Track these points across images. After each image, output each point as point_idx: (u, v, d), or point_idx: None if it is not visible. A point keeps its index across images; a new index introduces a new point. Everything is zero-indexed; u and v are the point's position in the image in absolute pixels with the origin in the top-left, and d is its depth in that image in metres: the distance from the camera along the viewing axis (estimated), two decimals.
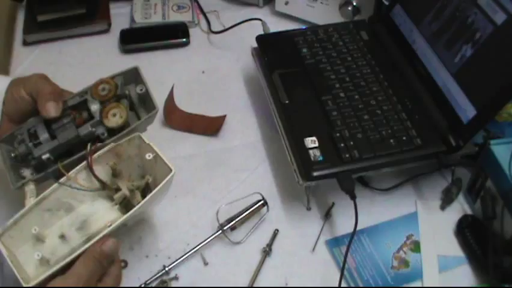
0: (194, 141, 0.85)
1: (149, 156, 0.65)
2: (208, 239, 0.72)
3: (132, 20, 1.04)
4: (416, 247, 0.72)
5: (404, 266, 0.71)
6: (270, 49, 0.86)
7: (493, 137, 0.74)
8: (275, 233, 0.73)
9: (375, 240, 0.73)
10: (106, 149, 0.65)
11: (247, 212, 0.73)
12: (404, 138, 0.72)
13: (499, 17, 0.68)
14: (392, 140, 0.72)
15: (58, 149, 0.64)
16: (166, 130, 0.86)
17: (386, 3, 0.90)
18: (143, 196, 0.64)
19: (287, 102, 0.78)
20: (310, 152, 0.71)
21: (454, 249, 0.72)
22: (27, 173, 0.64)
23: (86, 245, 0.59)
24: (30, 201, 0.62)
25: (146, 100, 0.69)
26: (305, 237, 0.73)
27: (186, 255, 0.70)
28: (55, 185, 0.63)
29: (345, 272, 0.68)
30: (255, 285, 0.69)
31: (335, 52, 0.84)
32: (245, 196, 0.74)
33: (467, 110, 0.70)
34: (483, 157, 0.71)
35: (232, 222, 0.72)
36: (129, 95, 0.69)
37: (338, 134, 0.72)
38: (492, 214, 0.69)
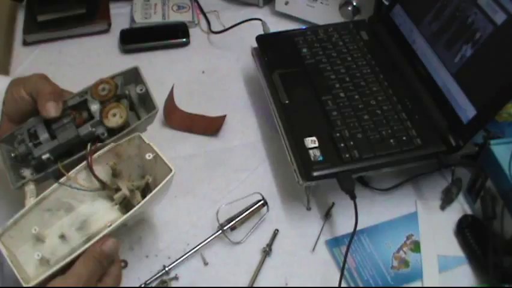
0: (194, 141, 0.85)
1: (149, 156, 0.65)
2: (208, 239, 0.72)
3: (132, 20, 1.04)
4: (416, 247, 0.72)
5: (404, 266, 0.71)
6: (270, 49, 0.86)
7: (493, 137, 0.74)
8: (275, 233, 0.73)
9: (375, 240, 0.73)
10: (106, 149, 0.65)
11: (247, 212, 0.73)
12: (404, 138, 0.72)
13: (499, 17, 0.68)
14: (392, 140, 0.72)
15: (58, 149, 0.64)
16: (166, 130, 0.86)
17: (386, 3, 0.90)
18: (143, 196, 0.64)
19: (287, 102, 0.78)
20: (310, 152, 0.71)
21: (454, 249, 0.72)
22: (27, 173, 0.64)
23: (86, 245, 0.59)
24: (30, 201, 0.62)
25: (146, 100, 0.69)
26: (305, 237, 0.73)
27: (186, 255, 0.70)
28: (55, 185, 0.63)
29: (345, 272, 0.68)
30: (255, 285, 0.69)
31: (335, 52, 0.84)
32: (245, 196, 0.74)
33: (467, 110, 0.70)
34: (483, 157, 0.71)
35: (232, 222, 0.72)
36: (129, 95, 0.69)
37: (338, 134, 0.72)
38: (492, 214, 0.69)
